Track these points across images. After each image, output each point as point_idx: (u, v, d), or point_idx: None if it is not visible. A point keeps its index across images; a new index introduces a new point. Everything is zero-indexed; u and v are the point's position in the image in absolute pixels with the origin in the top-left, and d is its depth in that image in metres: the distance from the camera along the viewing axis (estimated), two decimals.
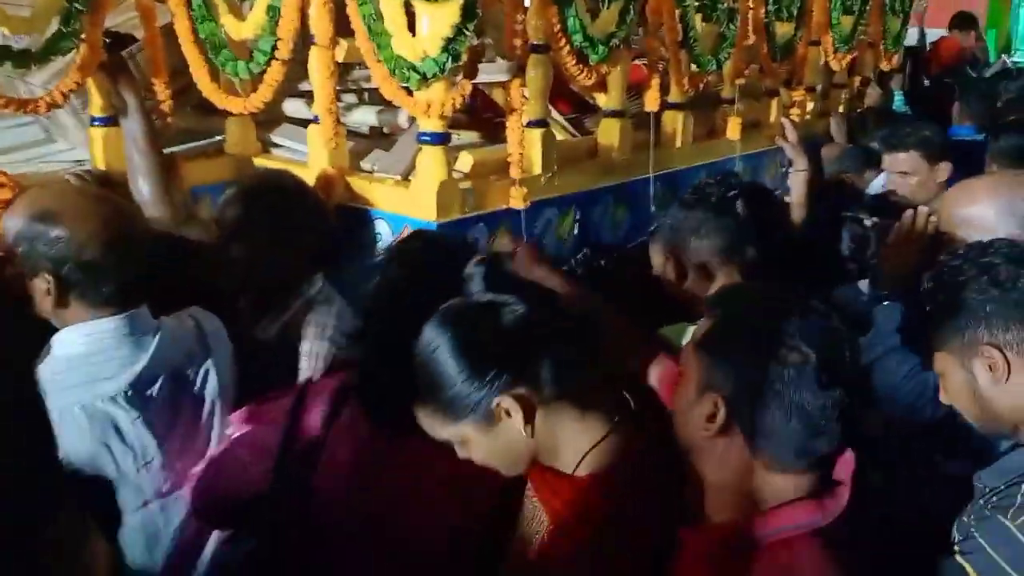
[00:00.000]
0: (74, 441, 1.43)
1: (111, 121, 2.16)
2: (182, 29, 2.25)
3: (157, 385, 1.56)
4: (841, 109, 3.92)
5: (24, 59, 1.95)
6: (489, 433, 1.19)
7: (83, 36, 1.99)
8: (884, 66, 4.28)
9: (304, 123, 2.48)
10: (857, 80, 4.16)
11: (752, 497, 1.10)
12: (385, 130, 2.55)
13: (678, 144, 2.83)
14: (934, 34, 6.98)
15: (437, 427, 1.23)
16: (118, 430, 1.50)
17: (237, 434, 1.56)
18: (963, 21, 7.10)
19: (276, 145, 2.55)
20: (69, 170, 2.11)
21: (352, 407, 1.42)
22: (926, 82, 5.45)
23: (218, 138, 2.54)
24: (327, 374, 1.62)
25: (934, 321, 1.41)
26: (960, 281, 1.35)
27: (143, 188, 2.05)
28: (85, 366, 1.49)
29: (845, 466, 1.11)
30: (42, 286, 1.47)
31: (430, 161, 2.00)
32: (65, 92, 2.03)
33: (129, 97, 2.07)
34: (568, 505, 1.21)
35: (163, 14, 2.30)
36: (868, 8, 3.81)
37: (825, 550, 1.05)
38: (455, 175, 2.11)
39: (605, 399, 1.27)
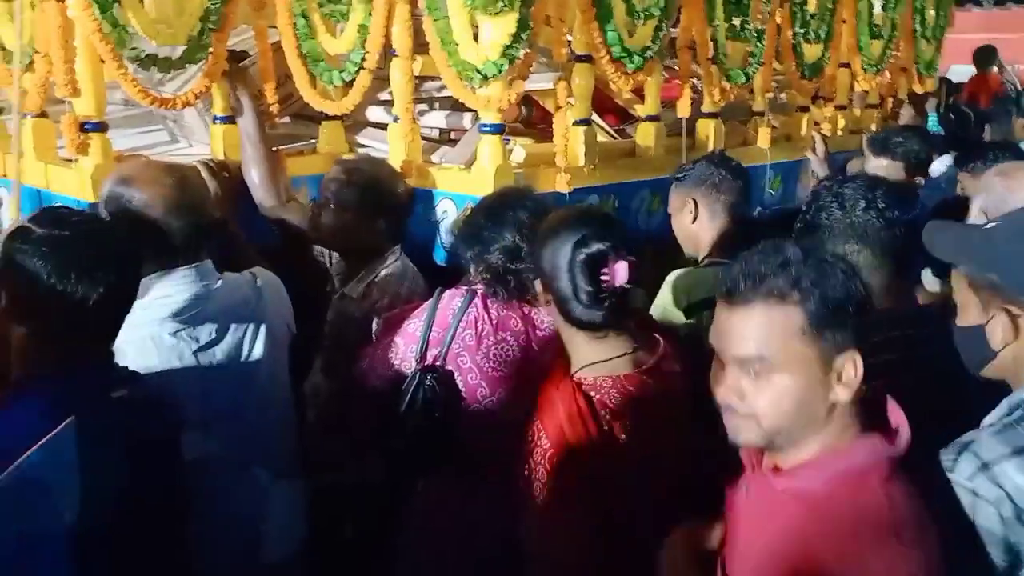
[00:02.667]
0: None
1: (230, 120, 2.62)
2: (288, 45, 2.71)
3: (215, 324, 1.85)
4: (873, 127, 4.20)
5: (166, 65, 2.44)
6: None
7: (212, 49, 2.47)
8: (918, 89, 4.56)
9: (384, 127, 2.93)
10: (890, 101, 4.45)
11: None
12: (452, 134, 2.98)
13: (711, 148, 3.17)
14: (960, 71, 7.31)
15: None
16: (180, 359, 1.79)
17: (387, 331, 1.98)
18: (986, 57, 7.37)
19: (361, 145, 3.00)
20: (198, 158, 2.57)
21: (476, 305, 1.85)
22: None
23: (313, 141, 3.01)
24: (454, 287, 1.96)
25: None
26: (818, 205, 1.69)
27: (254, 175, 2.50)
28: (155, 306, 1.75)
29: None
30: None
31: (489, 147, 2.40)
32: (196, 93, 2.51)
33: (245, 100, 2.54)
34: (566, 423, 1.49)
35: (273, 34, 2.78)
36: (896, 34, 4.12)
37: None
38: (511, 163, 2.50)
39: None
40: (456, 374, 1.83)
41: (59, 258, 1.36)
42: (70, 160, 2.44)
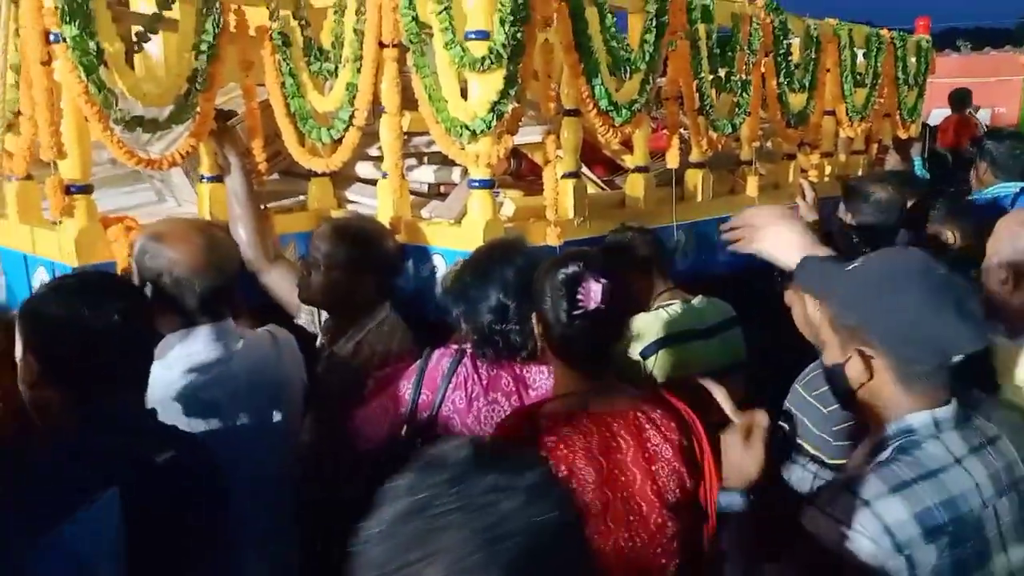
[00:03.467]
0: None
1: (217, 179, 2.61)
2: (276, 104, 2.71)
3: (238, 384, 1.85)
4: (860, 173, 4.23)
5: (153, 126, 2.43)
6: None
7: (199, 109, 2.46)
8: (902, 134, 4.60)
9: (373, 182, 2.92)
10: (875, 147, 4.49)
11: None
12: (441, 188, 2.97)
13: (699, 199, 3.18)
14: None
15: None
16: (208, 415, 1.78)
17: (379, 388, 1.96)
18: (963, 99, 7.77)
19: (350, 201, 2.98)
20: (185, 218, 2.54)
21: (465, 366, 1.83)
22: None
23: (301, 197, 2.99)
24: (444, 346, 1.95)
25: None
26: None
27: (241, 233, 2.47)
28: (178, 365, 1.78)
29: None
30: (145, 293, 1.77)
31: (478, 203, 2.39)
32: (183, 153, 2.50)
33: (232, 159, 2.53)
34: None
35: (261, 92, 2.78)
36: (880, 81, 4.18)
37: None
38: (501, 218, 2.49)
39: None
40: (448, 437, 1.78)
41: (68, 298, 1.41)
42: (56, 223, 2.41)
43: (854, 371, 1.32)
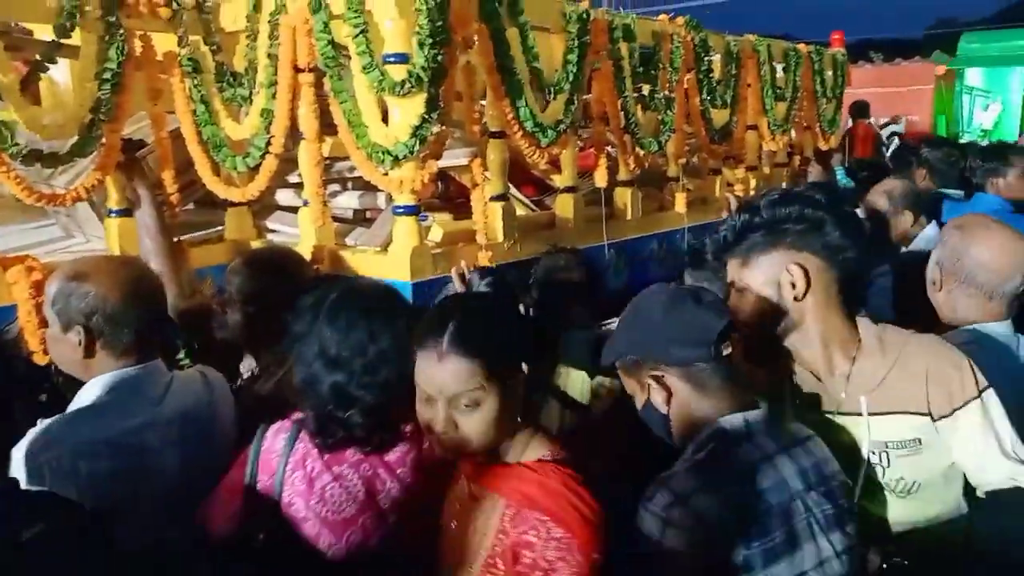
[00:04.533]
0: (100, 473, 1.60)
1: (126, 212, 2.48)
2: (188, 132, 2.59)
3: (172, 426, 1.75)
4: (784, 185, 4.30)
5: (52, 160, 2.29)
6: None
7: (104, 141, 2.33)
8: (823, 146, 4.71)
9: (294, 210, 2.82)
10: (797, 159, 4.58)
11: None
12: (367, 214, 2.89)
13: (628, 216, 3.17)
14: None
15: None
16: (140, 459, 1.68)
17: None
18: (863, 110, 8.28)
19: (270, 230, 2.87)
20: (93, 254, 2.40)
21: (304, 440, 1.56)
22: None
23: (219, 227, 2.87)
24: (281, 417, 1.66)
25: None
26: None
27: (154, 268, 2.34)
28: (111, 407, 1.68)
29: None
30: (74, 339, 1.68)
31: (404, 230, 2.32)
32: (88, 188, 2.36)
33: (142, 191, 2.40)
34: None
35: (171, 120, 2.66)
36: (799, 95, 4.26)
37: None
38: (428, 244, 2.42)
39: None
40: (293, 525, 1.54)
41: None
42: None
43: (657, 396, 1.45)
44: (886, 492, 1.56)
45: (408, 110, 2.19)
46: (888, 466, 1.54)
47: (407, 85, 2.15)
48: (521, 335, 1.44)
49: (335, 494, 1.52)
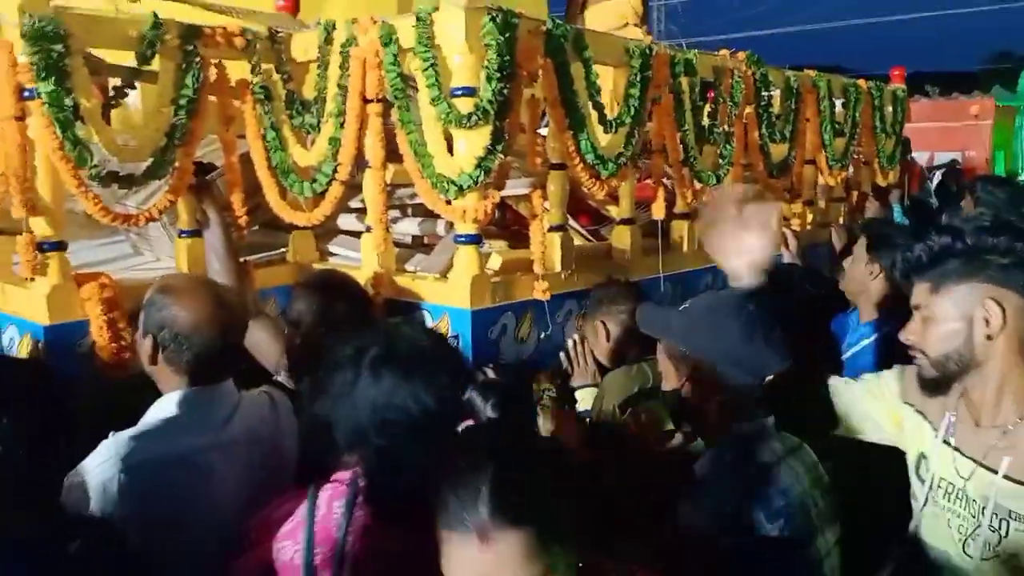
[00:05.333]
0: (163, 490, 1.64)
1: (196, 233, 2.55)
2: (257, 158, 2.67)
3: (238, 447, 1.79)
4: (841, 220, 4.25)
5: (129, 182, 2.37)
6: None
7: (177, 164, 2.41)
8: (881, 181, 4.65)
9: (356, 235, 2.88)
10: (855, 195, 4.52)
11: None
12: (425, 239, 2.93)
13: (685, 249, 3.16)
14: None
15: None
16: (203, 479, 1.72)
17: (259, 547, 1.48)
18: (905, 146, 8.11)
19: (332, 254, 2.93)
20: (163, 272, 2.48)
21: (364, 507, 1.38)
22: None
23: (282, 250, 2.94)
24: (335, 475, 1.48)
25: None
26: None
27: None
28: (177, 425, 1.73)
29: None
30: (145, 344, 1.76)
31: (465, 258, 2.35)
32: (161, 209, 2.44)
33: (211, 213, 2.47)
34: None
35: (241, 145, 2.74)
36: (859, 130, 4.22)
37: None
38: (488, 272, 2.45)
39: None
40: None
41: None
42: (28, 279, 2.34)
43: (692, 393, 1.66)
44: (979, 556, 1.46)
45: (473, 141, 2.23)
46: (1005, 536, 1.42)
47: (473, 118, 2.19)
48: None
49: (403, 567, 1.31)
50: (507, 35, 2.19)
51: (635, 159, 2.78)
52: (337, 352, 1.49)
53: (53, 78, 2.09)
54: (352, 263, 2.80)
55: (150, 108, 2.39)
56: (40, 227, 2.24)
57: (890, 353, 1.88)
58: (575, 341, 2.48)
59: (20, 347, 2.37)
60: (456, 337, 2.36)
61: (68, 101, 2.13)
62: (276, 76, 2.65)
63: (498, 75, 2.17)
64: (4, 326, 2.42)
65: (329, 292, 2.28)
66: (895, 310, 2.29)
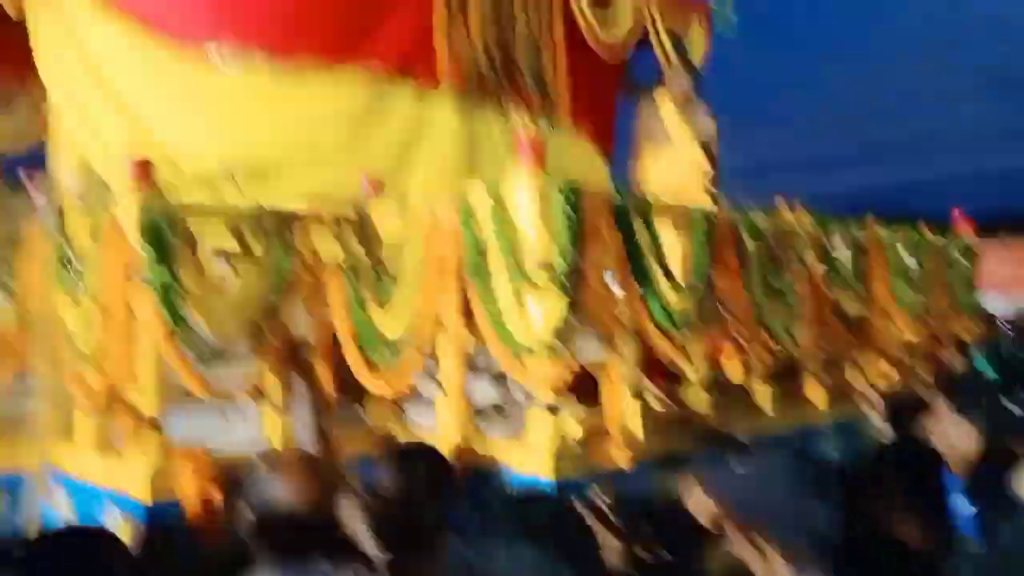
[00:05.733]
0: None
1: (285, 406, 2.66)
2: (341, 328, 2.80)
3: None
4: (922, 375, 4.13)
5: (226, 357, 2.52)
6: None
7: (270, 340, 2.56)
8: (964, 335, 4.53)
9: (433, 400, 2.95)
10: (937, 349, 4.41)
11: None
12: (502, 404, 2.98)
13: (763, 410, 3.12)
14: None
15: None
16: None
17: None
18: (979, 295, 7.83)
19: (409, 420, 2.99)
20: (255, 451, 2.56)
21: None
22: None
23: (360, 417, 3.01)
24: None
25: None
26: None
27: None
28: None
29: None
30: (240, 517, 1.80)
31: (543, 425, 2.37)
32: (255, 382, 2.57)
33: (300, 387, 2.59)
34: None
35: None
36: (932, 284, 4.18)
37: None
38: (567, 439, 2.45)
39: None
40: None
41: None
42: (126, 454, 2.45)
43: None
44: None
45: (548, 308, 2.32)
46: None
47: (547, 284, 2.28)
48: None
49: None
50: (577, 207, 2.32)
51: (706, 319, 2.82)
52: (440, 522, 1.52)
53: (164, 264, 2.29)
54: (430, 430, 2.85)
55: (248, 288, 2.57)
56: (143, 404, 2.38)
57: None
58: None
59: (119, 520, 2.45)
60: None
61: (175, 285, 2.32)
62: (360, 252, 2.83)
63: (569, 245, 2.29)
64: (103, 501, 2.51)
65: (412, 462, 2.31)
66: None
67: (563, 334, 2.30)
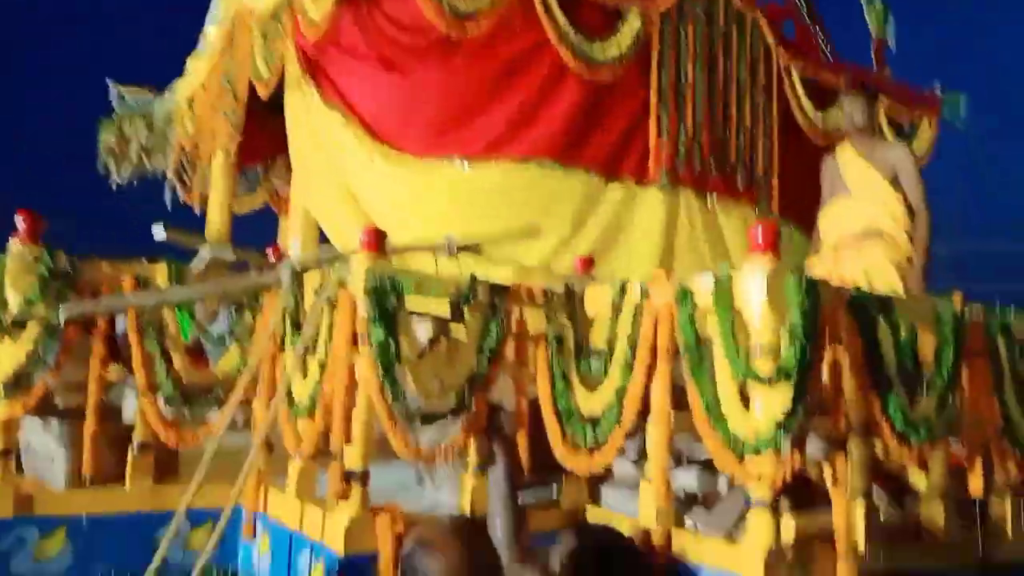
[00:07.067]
0: None
1: (481, 471, 2.63)
2: (544, 401, 2.75)
3: None
4: None
5: (431, 419, 2.53)
6: None
7: (474, 407, 2.55)
8: None
9: (627, 483, 2.82)
10: None
11: None
12: (700, 495, 2.79)
13: (1009, 533, 2.72)
14: None
15: None
16: None
17: None
18: None
19: (604, 502, 2.87)
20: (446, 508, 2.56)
21: None
22: None
23: (553, 495, 2.93)
24: None
25: None
26: None
27: (499, 528, 2.41)
28: None
29: None
30: None
31: (759, 525, 2.18)
32: (455, 446, 2.56)
33: (498, 454, 2.55)
34: None
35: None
36: None
37: None
38: (783, 544, 2.24)
39: None
40: None
41: None
42: (328, 504, 2.51)
43: None
44: None
45: (773, 402, 2.14)
46: None
47: (775, 377, 2.12)
48: None
49: None
50: (810, 296, 2.15)
51: (949, 426, 2.52)
52: None
53: (384, 327, 2.36)
54: (625, 514, 2.72)
55: (459, 355, 2.59)
56: (350, 457, 2.43)
57: None
58: None
59: (314, 571, 2.50)
60: None
61: (393, 347, 2.37)
62: (568, 326, 2.79)
63: (801, 335, 2.12)
64: (302, 548, 2.58)
65: (605, 557, 2.19)
66: None
67: (787, 427, 2.11)
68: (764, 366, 2.15)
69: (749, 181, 4.31)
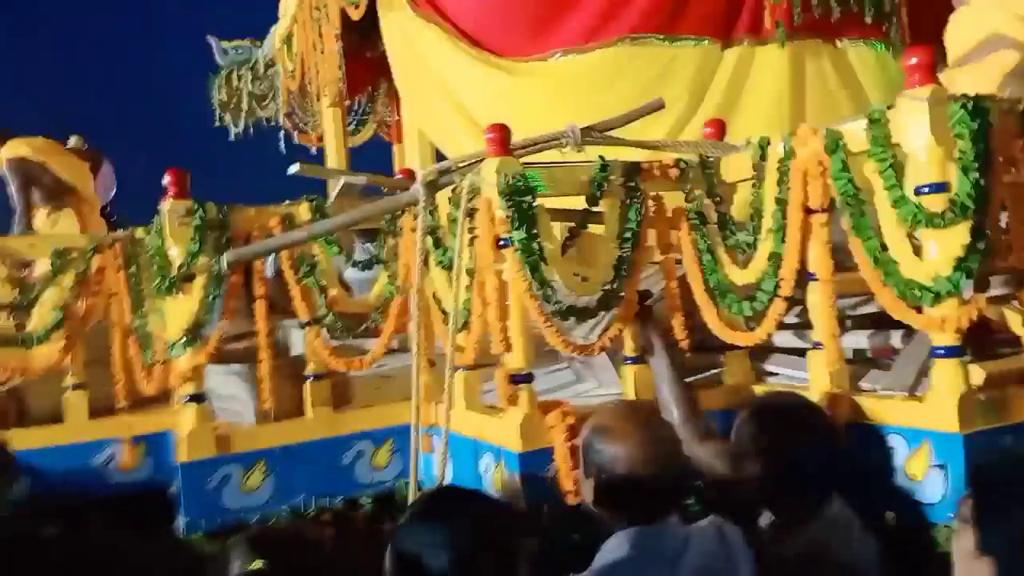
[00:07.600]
0: None
1: (640, 360, 2.62)
2: (694, 280, 2.68)
3: None
4: None
5: (584, 315, 2.53)
6: None
7: (623, 295, 2.52)
8: None
9: (791, 351, 2.74)
10: None
11: None
12: (869, 354, 2.68)
13: None
14: None
15: None
16: None
17: None
18: None
19: (772, 373, 2.81)
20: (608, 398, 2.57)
21: None
22: None
23: (716, 371, 2.89)
24: None
25: None
26: None
27: (674, 414, 2.41)
28: (627, 567, 1.73)
29: None
30: (590, 485, 1.85)
31: (947, 374, 2.07)
32: (611, 338, 2.55)
33: (656, 340, 2.53)
34: None
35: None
36: None
37: None
38: (974, 389, 2.13)
39: None
40: None
41: None
42: (498, 408, 2.58)
43: None
44: None
45: (950, 241, 2.00)
46: None
47: (948, 215, 1.97)
48: None
49: None
50: (980, 121, 1.96)
51: None
52: None
53: (524, 226, 2.34)
54: (795, 382, 2.65)
55: (600, 246, 2.55)
56: (513, 361, 2.47)
57: None
58: None
59: (495, 473, 2.59)
60: (943, 466, 2.06)
61: (535, 246, 2.36)
62: (708, 200, 2.69)
63: (975, 166, 1.95)
64: (482, 453, 2.67)
65: (789, 420, 2.14)
66: None
67: (968, 267, 1.97)
68: (936, 205, 1.99)
69: (878, 14, 3.98)
